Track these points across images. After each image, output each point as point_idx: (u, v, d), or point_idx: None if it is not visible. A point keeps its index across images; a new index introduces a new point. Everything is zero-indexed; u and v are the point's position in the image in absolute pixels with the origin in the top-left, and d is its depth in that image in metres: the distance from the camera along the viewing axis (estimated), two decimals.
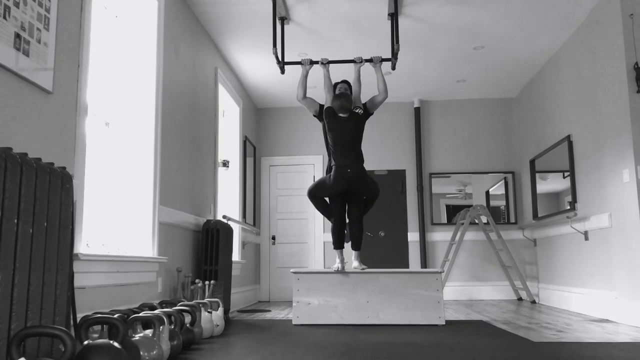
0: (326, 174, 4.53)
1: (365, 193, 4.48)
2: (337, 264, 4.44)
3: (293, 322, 4.39)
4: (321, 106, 4.59)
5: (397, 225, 7.22)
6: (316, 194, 4.53)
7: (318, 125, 7.36)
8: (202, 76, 5.07)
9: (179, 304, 3.16)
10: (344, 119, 4.39)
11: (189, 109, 4.64)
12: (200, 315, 3.29)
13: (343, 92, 4.41)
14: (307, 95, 4.69)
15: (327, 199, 4.61)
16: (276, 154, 7.60)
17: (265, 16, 4.93)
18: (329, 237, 7.23)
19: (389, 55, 5.75)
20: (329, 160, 4.50)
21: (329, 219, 4.59)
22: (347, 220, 4.56)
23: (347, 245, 6.86)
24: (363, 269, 4.39)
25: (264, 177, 7.56)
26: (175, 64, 4.34)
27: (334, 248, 4.54)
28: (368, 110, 4.53)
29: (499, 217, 7.17)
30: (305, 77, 4.57)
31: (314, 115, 4.63)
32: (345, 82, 4.64)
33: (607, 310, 4.63)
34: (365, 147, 7.32)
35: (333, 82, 4.72)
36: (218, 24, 5.08)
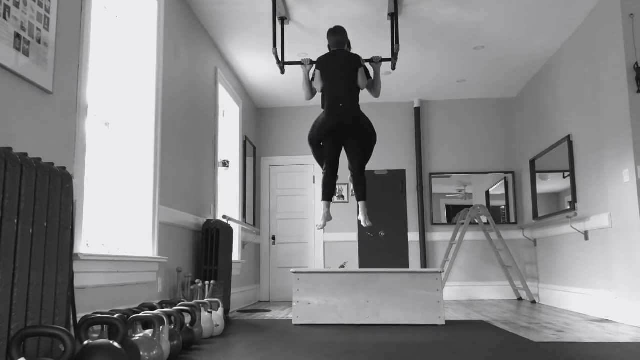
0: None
1: (362, 132, 4.30)
2: (320, 221, 4.35)
3: (293, 322, 4.39)
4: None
5: (397, 225, 7.22)
6: (312, 136, 4.38)
7: None
8: (202, 76, 5.07)
9: (179, 304, 3.16)
10: (337, 58, 4.34)
11: (189, 109, 4.64)
12: (200, 315, 3.29)
13: (338, 27, 4.42)
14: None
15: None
16: (276, 154, 7.60)
17: (265, 16, 4.93)
18: (329, 237, 7.25)
19: (389, 55, 5.76)
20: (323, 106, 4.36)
21: (322, 166, 4.43)
22: (350, 174, 4.42)
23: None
24: (368, 225, 4.34)
25: (264, 177, 7.56)
26: (175, 64, 4.34)
27: (322, 199, 4.40)
28: (362, 79, 4.33)
29: (499, 217, 7.17)
30: (307, 77, 4.55)
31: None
32: (340, 32, 4.44)
33: (607, 310, 4.63)
34: None
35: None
36: (218, 24, 5.08)
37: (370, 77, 4.50)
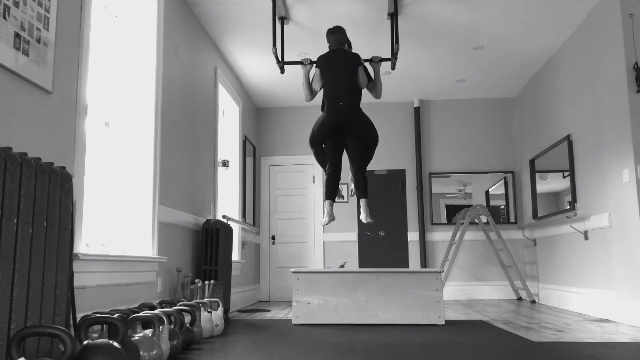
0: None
1: (363, 133, 4.33)
2: (325, 218, 4.40)
3: (293, 322, 4.39)
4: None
5: (397, 225, 7.22)
6: (314, 138, 4.38)
7: None
8: (202, 76, 5.07)
9: (179, 304, 3.16)
10: (337, 58, 4.36)
11: (188, 109, 4.64)
12: (200, 315, 3.29)
13: (338, 27, 4.43)
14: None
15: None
16: (276, 154, 7.60)
17: (265, 16, 4.93)
18: (329, 237, 7.25)
19: (389, 55, 5.76)
20: (323, 108, 4.39)
21: (324, 168, 4.47)
22: (351, 174, 4.44)
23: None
24: (369, 222, 4.35)
25: (264, 177, 7.56)
26: (175, 64, 4.34)
27: (325, 199, 4.46)
28: (362, 78, 4.35)
29: (499, 217, 7.17)
30: (307, 78, 4.54)
31: None
32: (340, 31, 4.45)
33: (607, 310, 4.63)
34: None
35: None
36: (218, 24, 5.08)
37: (371, 78, 4.50)
